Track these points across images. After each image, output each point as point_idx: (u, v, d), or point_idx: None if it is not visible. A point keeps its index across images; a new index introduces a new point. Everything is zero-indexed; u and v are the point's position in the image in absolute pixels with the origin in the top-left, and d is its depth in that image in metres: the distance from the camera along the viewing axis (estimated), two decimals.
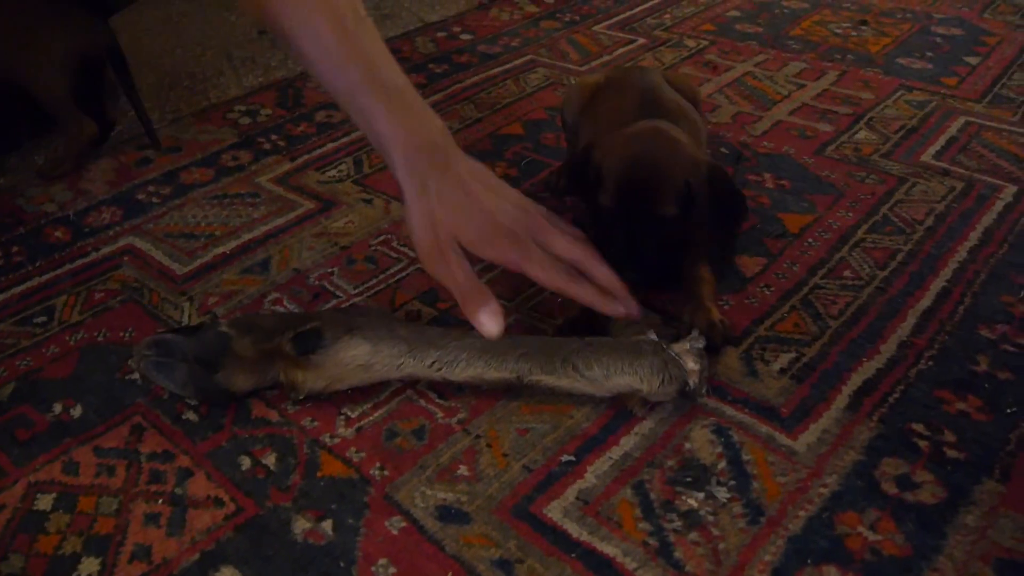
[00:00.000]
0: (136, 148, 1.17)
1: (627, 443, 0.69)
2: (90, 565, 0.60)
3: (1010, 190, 1.01)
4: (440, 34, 1.55)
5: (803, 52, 1.41)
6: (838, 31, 1.49)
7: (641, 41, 1.49)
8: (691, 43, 1.46)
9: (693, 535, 0.61)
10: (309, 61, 0.73)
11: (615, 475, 0.66)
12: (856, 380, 0.74)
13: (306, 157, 1.14)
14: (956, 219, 0.96)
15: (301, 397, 0.72)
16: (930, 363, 0.76)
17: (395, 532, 0.62)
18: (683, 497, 0.64)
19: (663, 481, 0.65)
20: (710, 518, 0.62)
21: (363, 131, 0.74)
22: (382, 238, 0.95)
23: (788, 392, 0.73)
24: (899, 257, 0.89)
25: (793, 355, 0.77)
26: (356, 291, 0.87)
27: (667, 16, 1.60)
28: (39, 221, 1.01)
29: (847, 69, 1.34)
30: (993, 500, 0.63)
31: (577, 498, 0.64)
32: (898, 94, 1.25)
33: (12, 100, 1.11)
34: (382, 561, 0.60)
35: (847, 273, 0.87)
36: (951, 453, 0.67)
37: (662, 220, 0.80)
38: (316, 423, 0.71)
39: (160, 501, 0.65)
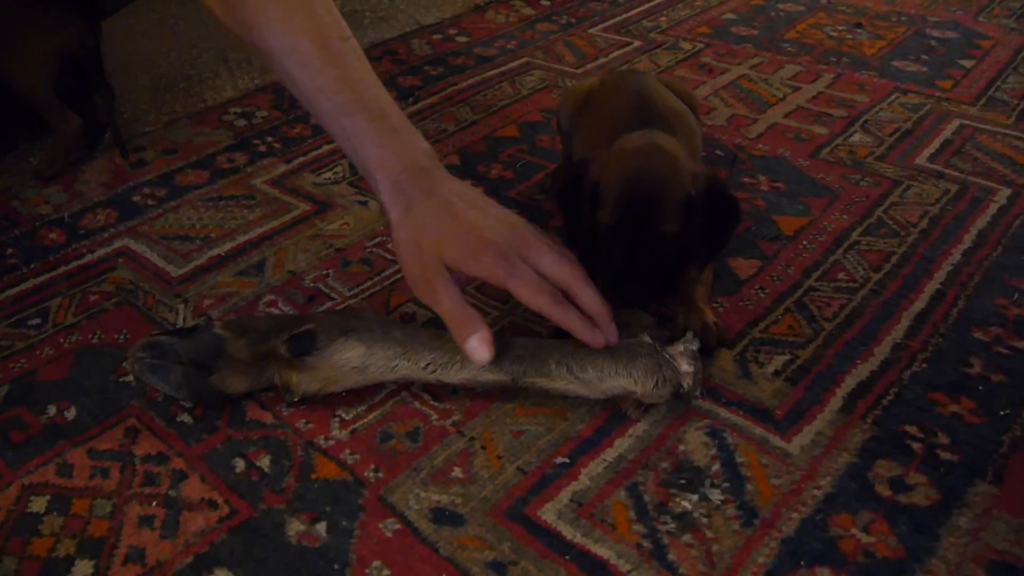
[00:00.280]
0: (131, 150, 1.16)
1: (621, 445, 0.69)
2: (84, 568, 0.60)
3: (1004, 193, 1.01)
4: (436, 36, 1.55)
5: (798, 55, 1.41)
6: (833, 34, 1.50)
7: (637, 44, 1.49)
8: (687, 46, 1.47)
9: (687, 537, 0.61)
10: (292, 80, 0.72)
11: (609, 477, 0.66)
12: (850, 382, 0.74)
13: (301, 159, 1.14)
14: (950, 222, 0.96)
15: (296, 399, 0.72)
16: (924, 365, 0.76)
17: (389, 534, 0.62)
18: (677, 499, 0.64)
19: (657, 483, 0.66)
20: (704, 520, 0.63)
21: (346, 151, 0.74)
22: (377, 240, 0.95)
23: (782, 394, 0.73)
24: (893, 259, 0.90)
25: (787, 357, 0.77)
26: (351, 293, 0.88)
27: (663, 19, 1.60)
28: (34, 223, 1.01)
29: (842, 72, 1.34)
30: (986, 502, 0.63)
31: (571, 500, 0.64)
32: (893, 97, 1.25)
33: (6, 101, 1.11)
34: (376, 563, 0.60)
35: (841, 275, 0.88)
36: (944, 455, 0.67)
37: (663, 237, 0.78)
38: (310, 425, 0.71)
39: (154, 503, 0.65)
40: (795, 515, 0.63)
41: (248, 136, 1.20)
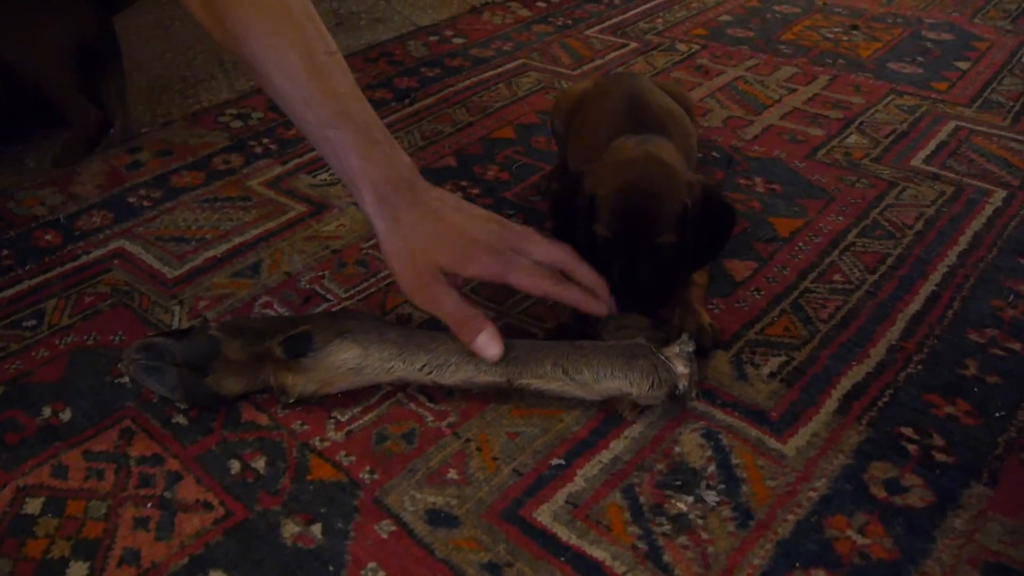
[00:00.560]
0: (127, 151, 1.16)
1: (617, 447, 0.69)
2: (79, 569, 0.60)
3: (999, 194, 1.01)
4: (432, 38, 1.55)
5: (794, 57, 1.41)
6: (829, 36, 1.50)
7: (633, 45, 1.49)
8: (683, 47, 1.47)
9: (682, 539, 0.61)
10: (278, 92, 0.73)
11: (604, 479, 0.66)
12: (845, 384, 0.74)
13: (297, 161, 1.14)
14: (946, 223, 0.96)
15: (291, 400, 0.72)
16: (919, 367, 0.76)
17: (384, 536, 0.62)
18: (672, 501, 0.64)
19: (652, 485, 0.66)
20: (699, 522, 0.63)
21: (330, 163, 0.74)
22: (373, 242, 0.95)
23: (778, 396, 0.73)
24: (889, 261, 0.90)
25: (783, 359, 0.77)
26: (347, 295, 0.87)
27: (659, 20, 1.60)
28: (29, 224, 1.01)
29: (838, 74, 1.34)
30: (981, 504, 0.63)
31: (567, 502, 0.64)
32: (889, 99, 1.26)
33: (19, 91, 1.11)
34: (371, 565, 0.60)
35: (837, 277, 0.88)
36: (940, 457, 0.67)
37: (660, 248, 0.78)
38: (306, 426, 0.71)
39: (149, 505, 0.65)
40: (790, 517, 0.63)
41: (244, 138, 1.20)
